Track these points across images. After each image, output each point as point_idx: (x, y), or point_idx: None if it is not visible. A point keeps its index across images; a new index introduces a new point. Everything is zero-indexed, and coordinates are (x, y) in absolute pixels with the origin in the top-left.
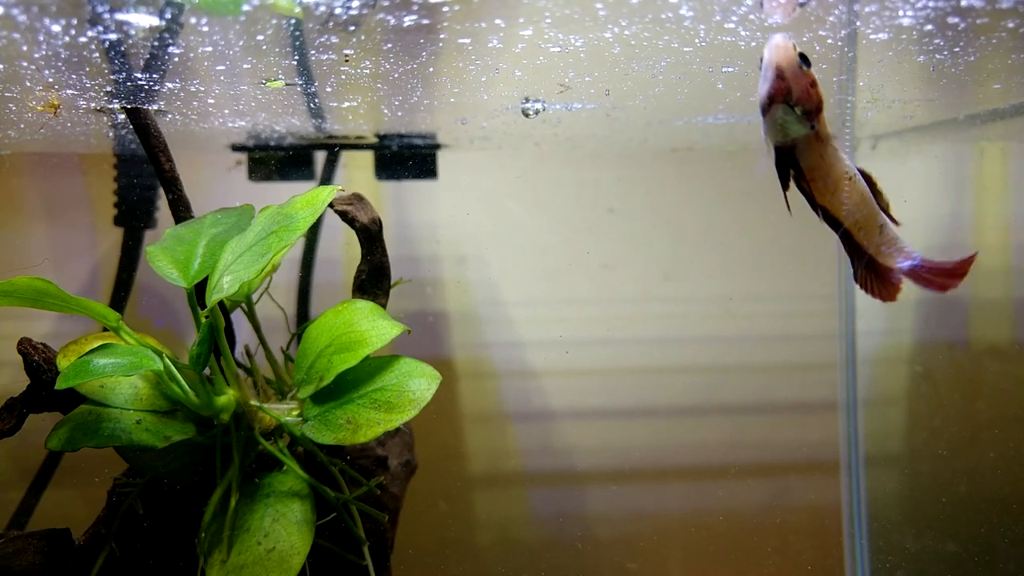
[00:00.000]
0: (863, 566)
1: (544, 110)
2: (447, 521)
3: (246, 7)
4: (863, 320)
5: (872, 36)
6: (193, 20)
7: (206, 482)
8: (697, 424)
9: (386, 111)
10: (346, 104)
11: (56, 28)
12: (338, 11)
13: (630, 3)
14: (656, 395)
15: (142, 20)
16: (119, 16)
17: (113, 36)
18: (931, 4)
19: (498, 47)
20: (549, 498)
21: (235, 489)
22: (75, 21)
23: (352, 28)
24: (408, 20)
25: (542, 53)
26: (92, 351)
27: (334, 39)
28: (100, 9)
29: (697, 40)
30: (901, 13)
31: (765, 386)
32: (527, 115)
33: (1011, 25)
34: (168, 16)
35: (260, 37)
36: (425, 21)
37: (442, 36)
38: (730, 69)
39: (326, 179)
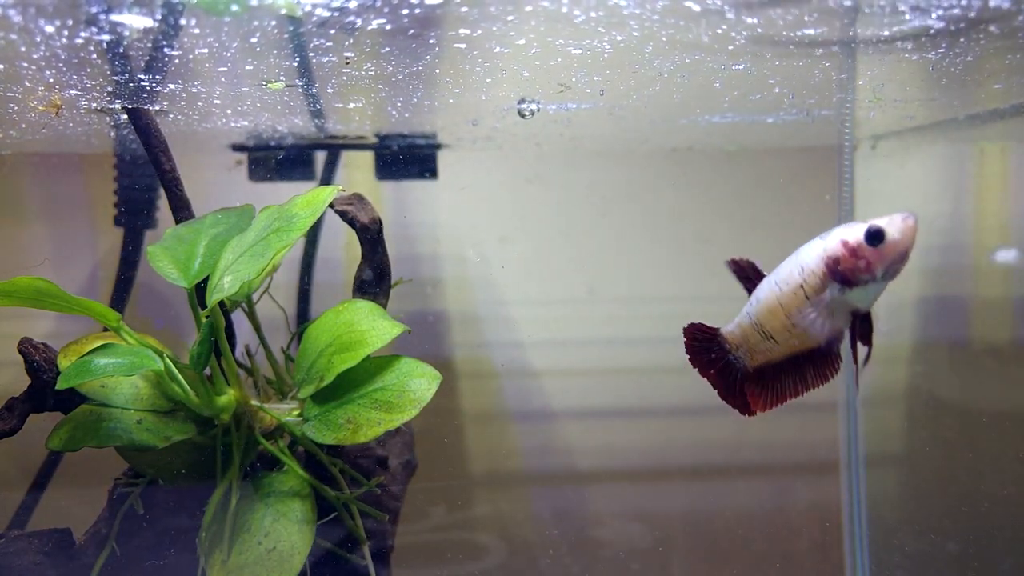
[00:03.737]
0: (863, 566)
1: (539, 111)
2: (447, 521)
3: (235, 8)
4: None
5: (872, 33)
6: (192, 21)
7: (206, 482)
8: (697, 424)
9: (393, 112)
10: (352, 105)
11: (50, 29)
12: (325, 13)
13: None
14: (656, 395)
15: (137, 21)
16: (114, 17)
17: (107, 37)
18: (933, 4)
19: (504, 52)
20: (549, 498)
21: (235, 489)
22: (70, 22)
23: (336, 31)
24: (376, 23)
25: (554, 55)
26: (93, 351)
27: (328, 43)
28: (96, 10)
29: (705, 38)
30: (901, 11)
31: None
32: (523, 115)
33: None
34: (159, 17)
35: (253, 40)
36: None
37: (431, 40)
38: (739, 67)
39: (326, 179)
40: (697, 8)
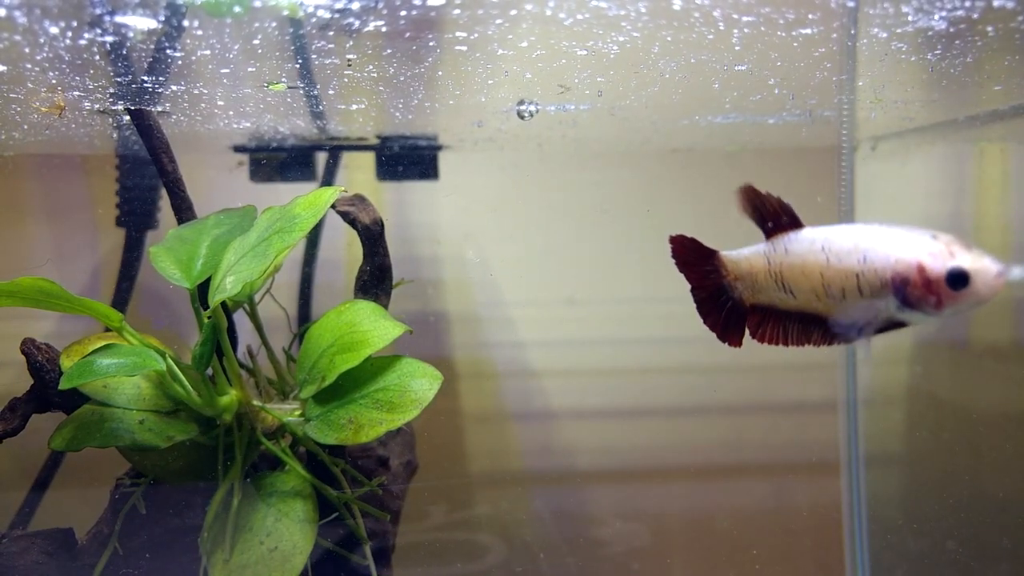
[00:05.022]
0: (863, 566)
1: (538, 112)
2: (447, 521)
3: (238, 9)
4: None
5: (873, 34)
6: (195, 23)
7: (209, 482)
8: (697, 424)
9: (396, 114)
10: (354, 107)
11: (54, 30)
12: (327, 15)
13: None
14: (656, 395)
15: (140, 23)
16: (119, 19)
17: (111, 38)
18: (936, 6)
19: (507, 54)
20: (549, 498)
21: (237, 489)
22: (75, 24)
23: (336, 32)
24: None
25: (557, 56)
26: (96, 351)
27: (330, 46)
28: (100, 11)
29: (710, 37)
30: (904, 12)
31: (765, 386)
32: (522, 117)
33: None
34: (163, 19)
35: (255, 41)
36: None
37: (431, 43)
38: (742, 68)
39: (328, 180)
40: (678, 7)
